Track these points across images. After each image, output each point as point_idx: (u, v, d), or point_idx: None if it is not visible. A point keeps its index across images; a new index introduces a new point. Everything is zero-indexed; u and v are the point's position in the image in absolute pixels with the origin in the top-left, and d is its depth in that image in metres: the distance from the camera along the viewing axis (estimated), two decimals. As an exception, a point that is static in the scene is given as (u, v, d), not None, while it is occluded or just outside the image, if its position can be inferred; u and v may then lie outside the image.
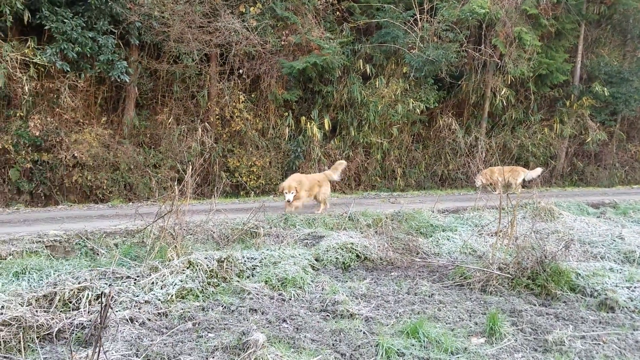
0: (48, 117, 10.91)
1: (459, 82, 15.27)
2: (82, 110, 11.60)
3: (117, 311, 4.32)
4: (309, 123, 13.37)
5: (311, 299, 5.09)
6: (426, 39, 13.91)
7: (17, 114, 10.64)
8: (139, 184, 11.52)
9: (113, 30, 10.94)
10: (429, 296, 5.32)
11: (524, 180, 12.94)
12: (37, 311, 4.05)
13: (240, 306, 4.77)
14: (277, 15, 12.88)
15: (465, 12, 13.64)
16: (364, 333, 4.25)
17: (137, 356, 3.64)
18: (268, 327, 4.31)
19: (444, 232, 7.99)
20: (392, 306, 4.99)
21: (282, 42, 12.93)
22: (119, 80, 11.17)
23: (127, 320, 4.22)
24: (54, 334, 3.91)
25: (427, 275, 6.13)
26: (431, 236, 7.84)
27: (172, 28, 11.33)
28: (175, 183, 6.62)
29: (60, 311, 4.23)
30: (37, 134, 10.54)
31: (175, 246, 5.64)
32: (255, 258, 5.91)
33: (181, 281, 4.96)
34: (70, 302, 4.37)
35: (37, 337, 3.84)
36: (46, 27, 10.26)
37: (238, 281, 5.32)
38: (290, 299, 5.05)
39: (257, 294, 5.05)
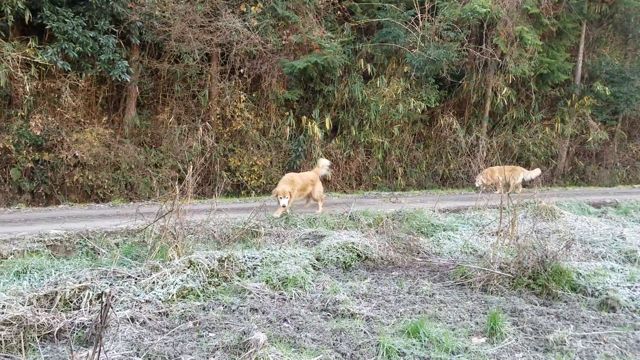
0: (49, 116, 10.92)
1: (460, 82, 15.26)
2: (83, 109, 11.61)
3: (117, 311, 4.32)
4: (310, 122, 13.36)
5: (312, 298, 5.09)
6: (427, 39, 13.90)
7: (19, 114, 10.66)
8: (140, 183, 11.53)
9: (114, 29, 10.96)
10: (429, 296, 5.31)
11: (523, 180, 12.95)
12: (38, 311, 4.06)
13: (241, 306, 4.77)
14: (278, 15, 12.88)
15: (467, 11, 13.63)
16: (364, 333, 4.25)
17: (137, 356, 3.65)
18: (269, 326, 4.31)
19: (445, 231, 7.99)
20: (393, 306, 4.99)
21: (283, 42, 12.92)
22: (120, 79, 11.19)
23: (128, 320, 4.23)
24: (54, 334, 3.91)
25: (428, 274, 6.13)
26: (432, 236, 7.84)
27: (173, 27, 11.33)
28: (176, 182, 6.63)
29: (61, 311, 4.24)
30: (38, 133, 10.55)
31: (176, 245, 5.65)
32: (256, 257, 5.92)
33: (182, 281, 4.97)
34: (71, 302, 4.39)
35: (38, 337, 3.84)
36: (47, 27, 10.28)
37: (239, 281, 5.32)
38: (291, 299, 5.06)
39: (258, 294, 5.05)
